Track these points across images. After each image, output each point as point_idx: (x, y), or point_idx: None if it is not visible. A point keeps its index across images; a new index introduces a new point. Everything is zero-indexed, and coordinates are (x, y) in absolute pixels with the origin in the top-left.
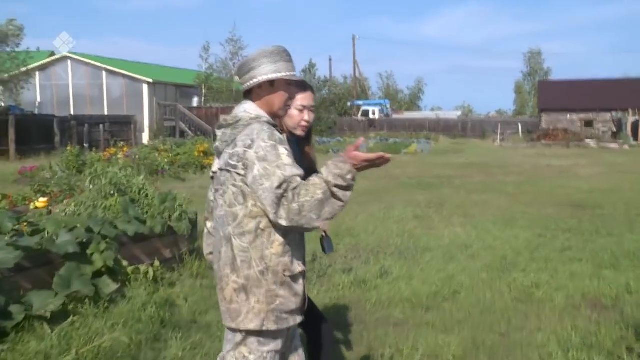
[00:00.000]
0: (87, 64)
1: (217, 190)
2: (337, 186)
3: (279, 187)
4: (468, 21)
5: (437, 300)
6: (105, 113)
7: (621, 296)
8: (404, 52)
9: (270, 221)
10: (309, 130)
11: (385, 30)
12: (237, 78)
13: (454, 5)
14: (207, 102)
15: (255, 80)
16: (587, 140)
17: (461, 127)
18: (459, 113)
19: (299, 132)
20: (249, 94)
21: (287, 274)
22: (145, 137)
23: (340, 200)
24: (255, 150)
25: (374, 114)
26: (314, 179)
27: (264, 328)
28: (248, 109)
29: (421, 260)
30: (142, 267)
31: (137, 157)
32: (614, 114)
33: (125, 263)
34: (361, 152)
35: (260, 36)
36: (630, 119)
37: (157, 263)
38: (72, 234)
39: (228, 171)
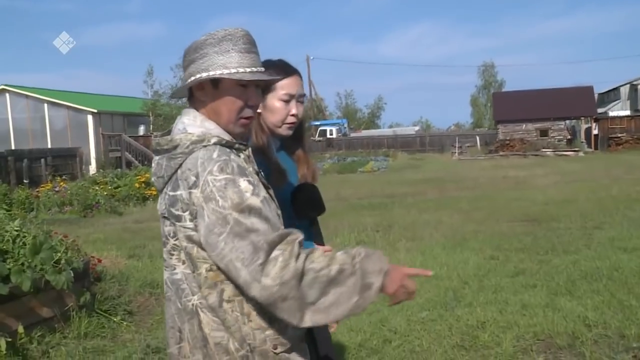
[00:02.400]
0: (28, 97)
1: (164, 244)
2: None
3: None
4: (422, 39)
5: (361, 355)
6: (49, 146)
7: (578, 332)
8: (361, 72)
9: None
10: (300, 128)
11: (343, 51)
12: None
13: (408, 24)
14: (156, 130)
15: (191, 79)
16: (544, 149)
17: (420, 142)
18: (417, 128)
19: (284, 132)
20: (192, 99)
21: (279, 349)
22: (93, 170)
23: (360, 301)
24: (202, 189)
25: (331, 133)
26: (334, 253)
27: None
28: (188, 124)
29: None
30: None
31: (68, 192)
32: (567, 122)
33: None
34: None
35: None
36: (584, 126)
37: (20, 329)
38: None
39: (173, 224)
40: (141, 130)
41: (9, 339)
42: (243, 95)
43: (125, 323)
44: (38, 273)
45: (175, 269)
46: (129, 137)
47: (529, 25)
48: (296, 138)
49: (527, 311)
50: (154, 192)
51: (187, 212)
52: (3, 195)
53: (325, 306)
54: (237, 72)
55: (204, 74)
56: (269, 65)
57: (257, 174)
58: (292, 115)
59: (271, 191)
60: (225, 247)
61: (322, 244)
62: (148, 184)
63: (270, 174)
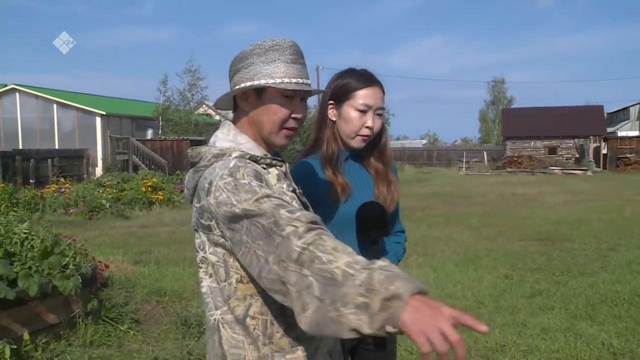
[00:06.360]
0: (37, 97)
1: (196, 255)
2: (385, 300)
3: (254, 203)
4: (433, 53)
5: None
6: (57, 147)
7: None
8: None
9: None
10: (379, 141)
11: (353, 62)
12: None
13: (420, 37)
14: (165, 135)
15: (235, 88)
16: (552, 167)
17: (427, 155)
18: (424, 141)
19: (357, 144)
20: (237, 110)
21: None
22: (99, 172)
23: (346, 322)
24: (214, 195)
25: None
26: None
27: None
28: (220, 137)
29: None
30: None
31: (74, 193)
32: (576, 140)
33: None
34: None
35: (223, 67)
36: (592, 145)
37: (26, 335)
38: None
39: (204, 233)
40: (149, 134)
41: (14, 346)
42: (287, 106)
43: (132, 332)
44: (45, 278)
45: (202, 282)
46: (137, 140)
47: (540, 42)
48: (375, 151)
49: (547, 335)
50: (161, 197)
51: (214, 221)
52: (9, 195)
53: (316, 313)
54: (282, 82)
55: (248, 83)
56: (350, 73)
57: (294, 191)
58: (367, 127)
59: (310, 210)
60: (248, 239)
61: None
62: (155, 188)
63: (330, 189)
